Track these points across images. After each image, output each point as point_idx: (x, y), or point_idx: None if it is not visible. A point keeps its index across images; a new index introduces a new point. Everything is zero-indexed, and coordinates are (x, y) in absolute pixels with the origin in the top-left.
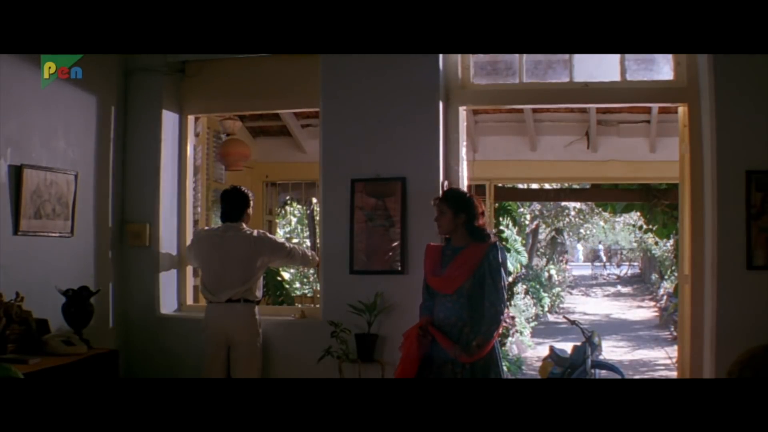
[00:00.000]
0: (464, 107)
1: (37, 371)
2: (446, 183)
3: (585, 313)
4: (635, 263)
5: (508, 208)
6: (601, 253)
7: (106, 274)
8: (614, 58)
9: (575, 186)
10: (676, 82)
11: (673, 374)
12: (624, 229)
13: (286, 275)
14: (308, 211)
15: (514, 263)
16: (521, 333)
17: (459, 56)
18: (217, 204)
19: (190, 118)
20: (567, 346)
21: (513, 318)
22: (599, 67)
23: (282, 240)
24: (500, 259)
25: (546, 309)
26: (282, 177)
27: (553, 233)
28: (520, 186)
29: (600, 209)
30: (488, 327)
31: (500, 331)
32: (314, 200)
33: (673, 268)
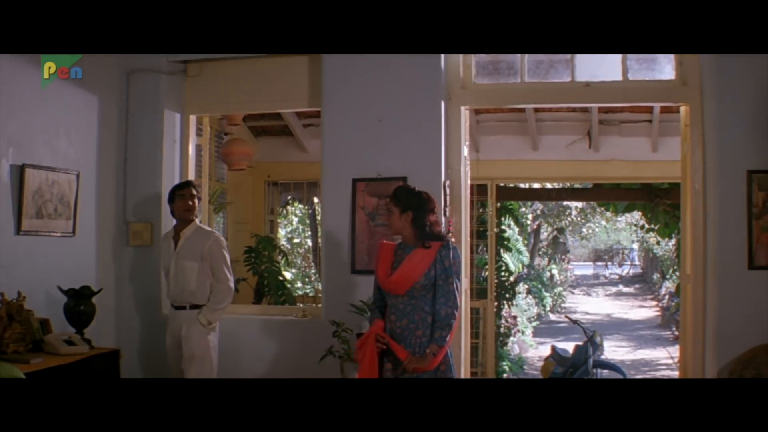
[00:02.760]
0: (466, 107)
1: (39, 371)
2: (448, 183)
3: (587, 313)
4: (637, 263)
5: (510, 207)
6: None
7: (107, 273)
8: (616, 58)
9: (577, 185)
10: (677, 82)
11: (675, 374)
12: (626, 228)
13: (287, 275)
14: (310, 211)
15: (515, 263)
16: (523, 332)
17: (461, 56)
18: (223, 205)
19: (192, 118)
20: (569, 346)
21: (515, 317)
22: (601, 67)
23: None
24: (452, 259)
25: (548, 308)
26: (284, 177)
27: (555, 233)
28: (522, 185)
29: (602, 209)
30: (440, 332)
31: (453, 335)
32: (316, 200)
33: (675, 267)
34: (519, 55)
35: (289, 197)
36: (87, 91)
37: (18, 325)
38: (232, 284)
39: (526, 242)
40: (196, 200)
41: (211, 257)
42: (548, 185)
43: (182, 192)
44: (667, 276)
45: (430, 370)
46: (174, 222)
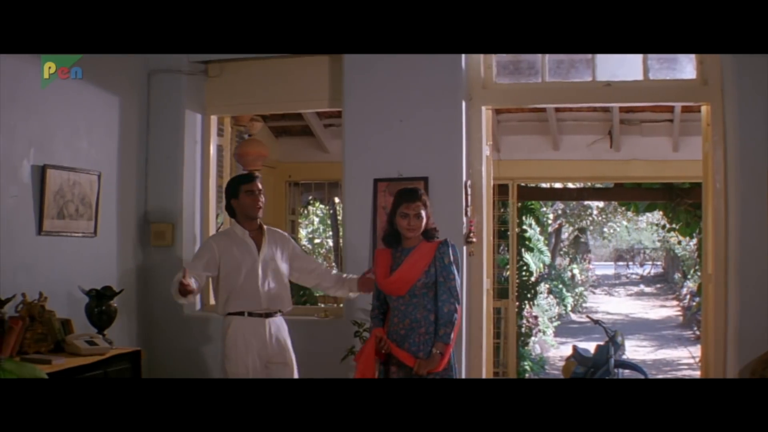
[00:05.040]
0: (487, 107)
1: (61, 371)
2: (469, 183)
3: (608, 313)
4: (658, 262)
5: (531, 207)
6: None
7: (129, 274)
8: (637, 57)
9: (598, 185)
10: (698, 81)
11: (697, 374)
12: (647, 228)
13: None
14: (331, 211)
15: (537, 263)
16: (544, 332)
17: (481, 56)
18: None
19: (213, 118)
20: (590, 346)
21: (536, 317)
22: (622, 66)
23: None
24: (451, 257)
25: (569, 308)
26: (305, 177)
27: (576, 232)
28: (543, 185)
29: (623, 208)
30: (445, 329)
31: (457, 331)
32: (337, 200)
33: (697, 267)
34: (540, 55)
35: (310, 197)
36: (108, 92)
37: (40, 325)
38: None
39: (547, 242)
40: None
41: (299, 255)
42: (569, 185)
43: (250, 187)
44: (689, 276)
45: (440, 371)
46: (227, 221)
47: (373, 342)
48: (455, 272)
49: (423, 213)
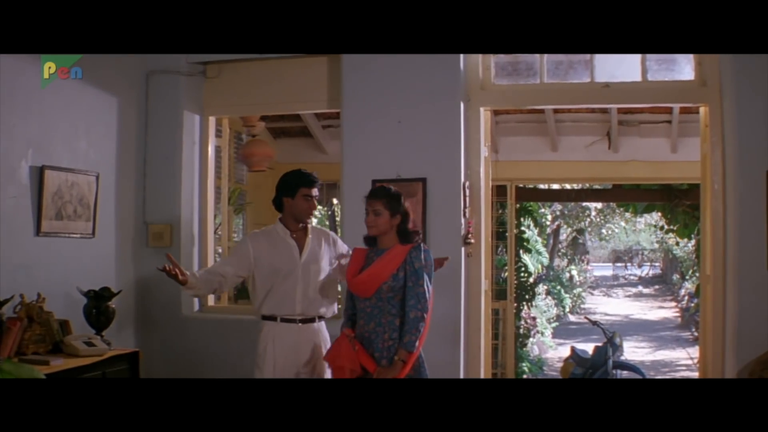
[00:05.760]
0: (485, 108)
1: (59, 372)
2: (468, 184)
3: (606, 314)
4: (656, 264)
5: (529, 208)
6: None
7: (127, 275)
8: (635, 58)
9: (596, 186)
10: (697, 83)
11: (695, 374)
12: (645, 229)
13: None
14: (329, 212)
15: (535, 264)
16: (542, 333)
17: (480, 56)
18: (242, 206)
19: (211, 119)
20: (588, 347)
21: (534, 318)
22: (620, 68)
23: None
24: (422, 261)
25: (567, 309)
26: None
27: (575, 234)
28: (542, 186)
29: (621, 209)
30: (409, 336)
31: (423, 340)
32: (335, 201)
33: (695, 268)
34: (538, 56)
35: None
36: (106, 93)
37: (38, 326)
38: None
39: (545, 243)
40: None
41: (345, 254)
42: (567, 186)
43: (309, 191)
44: (687, 277)
45: (401, 377)
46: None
47: (347, 341)
48: (425, 278)
49: (384, 212)
